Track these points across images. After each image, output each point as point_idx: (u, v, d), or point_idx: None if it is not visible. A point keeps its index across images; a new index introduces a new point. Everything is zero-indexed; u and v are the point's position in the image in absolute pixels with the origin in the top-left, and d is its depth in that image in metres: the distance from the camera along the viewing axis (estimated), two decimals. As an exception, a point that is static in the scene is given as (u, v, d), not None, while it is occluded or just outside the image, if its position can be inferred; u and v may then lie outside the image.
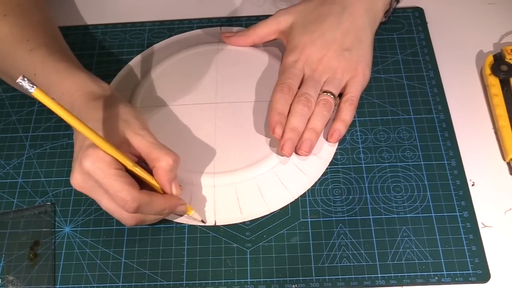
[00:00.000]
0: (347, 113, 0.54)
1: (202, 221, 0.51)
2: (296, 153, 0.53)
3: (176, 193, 0.47)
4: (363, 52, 0.56)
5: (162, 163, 0.45)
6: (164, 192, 0.47)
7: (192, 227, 0.51)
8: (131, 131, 0.46)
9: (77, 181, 0.45)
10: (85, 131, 0.42)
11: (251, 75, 0.59)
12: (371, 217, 0.51)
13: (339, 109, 0.54)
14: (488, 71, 0.57)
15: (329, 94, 0.54)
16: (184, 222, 0.51)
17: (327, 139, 0.54)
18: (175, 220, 0.51)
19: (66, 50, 0.54)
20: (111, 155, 0.44)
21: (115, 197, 0.44)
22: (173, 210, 0.48)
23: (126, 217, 0.46)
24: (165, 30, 0.64)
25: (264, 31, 0.59)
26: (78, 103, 0.48)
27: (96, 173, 0.43)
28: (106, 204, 0.45)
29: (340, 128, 0.54)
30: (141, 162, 0.47)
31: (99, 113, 0.47)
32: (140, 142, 0.46)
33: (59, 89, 0.49)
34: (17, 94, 0.55)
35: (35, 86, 0.39)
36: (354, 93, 0.55)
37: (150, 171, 0.47)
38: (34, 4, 0.55)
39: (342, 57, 0.55)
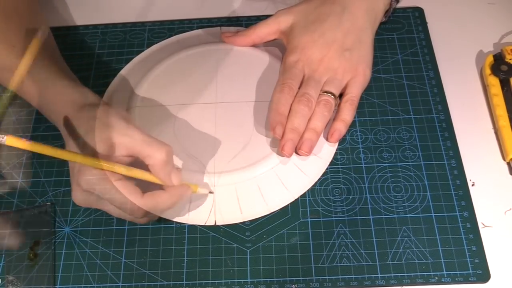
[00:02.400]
0: (348, 113, 0.54)
1: (210, 192, 0.51)
2: (297, 153, 0.53)
3: (177, 182, 0.47)
4: (363, 52, 0.56)
5: (155, 159, 0.45)
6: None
7: (192, 227, 0.51)
8: (118, 133, 0.45)
9: (79, 199, 0.45)
10: (70, 158, 0.42)
11: (251, 75, 0.59)
12: (371, 217, 0.51)
13: (339, 109, 0.54)
14: (488, 71, 0.57)
15: (329, 94, 0.54)
16: (184, 222, 0.51)
17: (327, 139, 0.54)
18: (175, 220, 0.51)
19: (53, 53, 0.53)
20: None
21: (122, 208, 0.44)
22: (181, 199, 0.48)
23: (138, 220, 0.47)
24: (165, 30, 0.64)
25: (264, 31, 0.59)
26: (62, 114, 0.48)
27: (96, 190, 0.44)
28: (115, 212, 0.46)
29: (340, 128, 0.54)
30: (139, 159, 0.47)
31: (82, 125, 0.46)
32: (129, 143, 0.45)
33: (44, 99, 0.49)
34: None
35: (5, 136, 0.39)
36: (354, 93, 0.55)
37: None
38: (26, 5, 0.55)
39: (342, 57, 0.55)
